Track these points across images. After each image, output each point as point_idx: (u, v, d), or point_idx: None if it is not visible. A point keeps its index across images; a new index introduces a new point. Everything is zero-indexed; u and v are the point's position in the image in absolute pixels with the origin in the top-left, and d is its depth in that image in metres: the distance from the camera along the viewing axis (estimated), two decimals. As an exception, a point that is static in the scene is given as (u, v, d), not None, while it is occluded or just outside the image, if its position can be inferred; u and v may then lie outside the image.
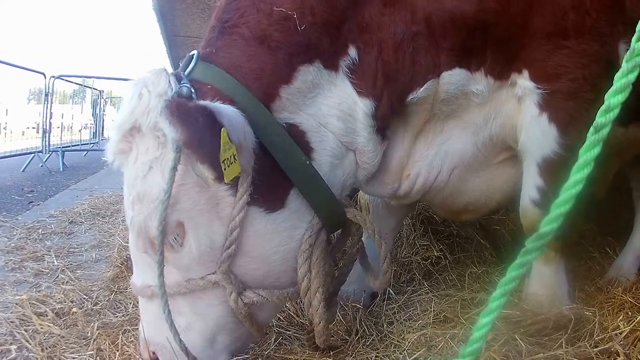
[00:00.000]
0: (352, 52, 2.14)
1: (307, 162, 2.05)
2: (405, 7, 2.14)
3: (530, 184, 2.44)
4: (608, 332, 2.25)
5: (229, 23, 2.08)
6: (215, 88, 1.95)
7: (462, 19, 2.15)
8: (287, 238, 2.10)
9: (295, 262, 2.14)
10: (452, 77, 2.24)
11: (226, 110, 1.78)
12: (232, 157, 1.75)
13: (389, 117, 2.27)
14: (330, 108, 2.15)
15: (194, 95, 1.89)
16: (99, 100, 19.73)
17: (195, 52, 2.07)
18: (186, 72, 2.00)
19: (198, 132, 1.65)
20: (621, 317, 2.38)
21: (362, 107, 2.16)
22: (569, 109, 2.26)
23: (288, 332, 2.72)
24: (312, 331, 2.38)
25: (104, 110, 20.26)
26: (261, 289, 2.10)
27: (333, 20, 2.09)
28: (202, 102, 1.77)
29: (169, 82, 1.90)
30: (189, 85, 1.91)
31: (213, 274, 2.02)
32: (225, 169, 1.71)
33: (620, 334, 2.22)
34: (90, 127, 20.68)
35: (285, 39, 2.03)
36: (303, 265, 2.12)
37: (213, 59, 2.04)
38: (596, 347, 2.16)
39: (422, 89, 2.22)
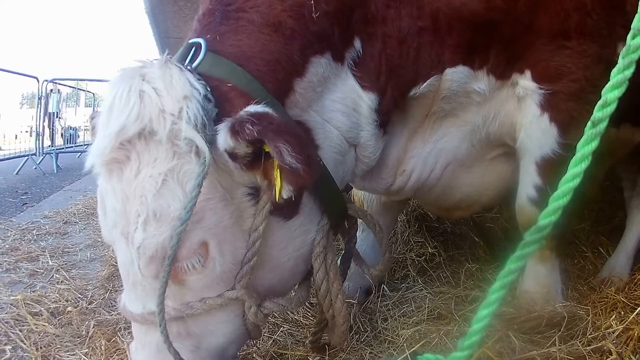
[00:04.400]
0: (357, 44, 2.07)
1: (321, 162, 1.91)
2: (412, 1, 2.11)
3: (528, 182, 2.44)
4: (601, 331, 2.27)
5: (233, 6, 1.91)
6: (235, 88, 1.77)
7: (470, 16, 2.13)
8: (301, 243, 2.01)
9: (305, 265, 2.07)
10: (455, 75, 2.22)
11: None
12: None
13: (392, 112, 2.24)
14: (334, 102, 2.05)
15: (210, 96, 1.69)
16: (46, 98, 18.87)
17: (198, 40, 1.87)
18: (194, 65, 1.80)
19: (315, 160, 1.57)
20: (614, 316, 2.40)
21: (366, 101, 2.10)
22: (570, 110, 2.27)
23: (282, 329, 2.73)
24: (317, 332, 2.37)
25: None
26: (273, 296, 1.98)
27: (344, 10, 2.01)
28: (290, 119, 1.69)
29: (189, 80, 1.65)
30: (204, 83, 1.70)
31: (232, 289, 1.85)
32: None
33: (613, 332, 2.24)
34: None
35: (300, 27, 1.91)
36: (320, 269, 2.04)
37: (219, 48, 1.85)
38: (589, 345, 2.18)
39: (424, 84, 2.20)
